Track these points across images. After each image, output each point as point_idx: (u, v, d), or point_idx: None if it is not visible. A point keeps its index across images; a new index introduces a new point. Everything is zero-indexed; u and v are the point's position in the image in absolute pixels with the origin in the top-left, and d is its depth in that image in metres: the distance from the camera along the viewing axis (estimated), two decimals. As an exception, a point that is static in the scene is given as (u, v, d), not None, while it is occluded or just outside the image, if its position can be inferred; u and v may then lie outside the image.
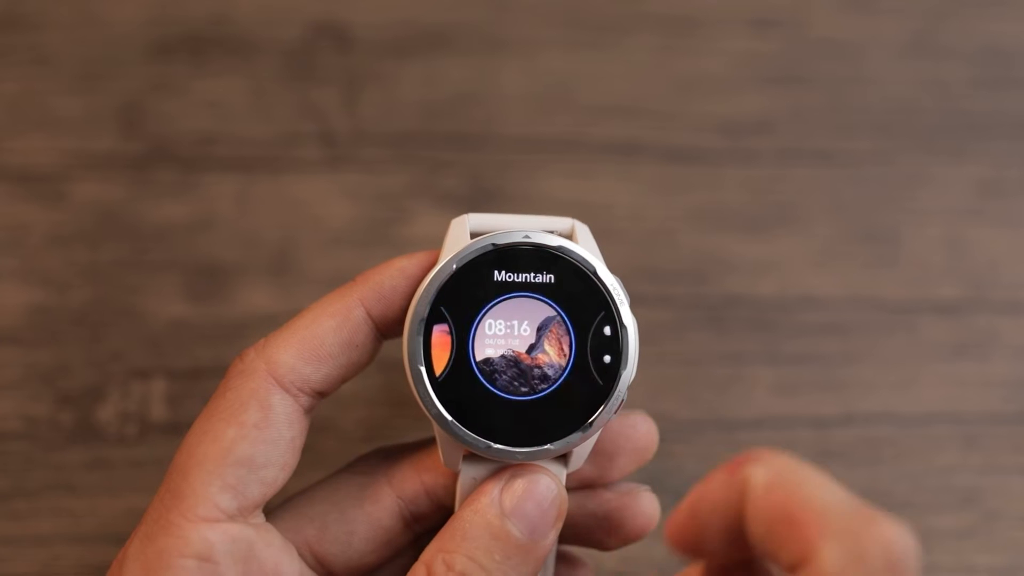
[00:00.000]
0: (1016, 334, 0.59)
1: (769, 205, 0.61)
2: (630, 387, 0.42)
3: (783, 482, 0.35)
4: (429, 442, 0.47)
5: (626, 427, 0.47)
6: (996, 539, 0.56)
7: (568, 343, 0.42)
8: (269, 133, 0.60)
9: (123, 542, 0.42)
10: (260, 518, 0.42)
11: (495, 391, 0.42)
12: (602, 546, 0.47)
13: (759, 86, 0.63)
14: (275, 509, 0.45)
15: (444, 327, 0.42)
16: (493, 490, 0.41)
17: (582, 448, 0.43)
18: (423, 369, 0.42)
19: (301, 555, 0.44)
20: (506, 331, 0.42)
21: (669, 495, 0.55)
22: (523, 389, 0.42)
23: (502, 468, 0.43)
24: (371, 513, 0.45)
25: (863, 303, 0.59)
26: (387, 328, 0.44)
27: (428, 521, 0.46)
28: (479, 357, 0.42)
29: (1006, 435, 0.57)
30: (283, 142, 0.60)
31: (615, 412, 0.42)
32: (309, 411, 0.43)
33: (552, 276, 0.42)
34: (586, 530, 0.47)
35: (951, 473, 0.57)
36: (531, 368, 0.42)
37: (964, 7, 0.65)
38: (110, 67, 0.61)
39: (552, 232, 0.43)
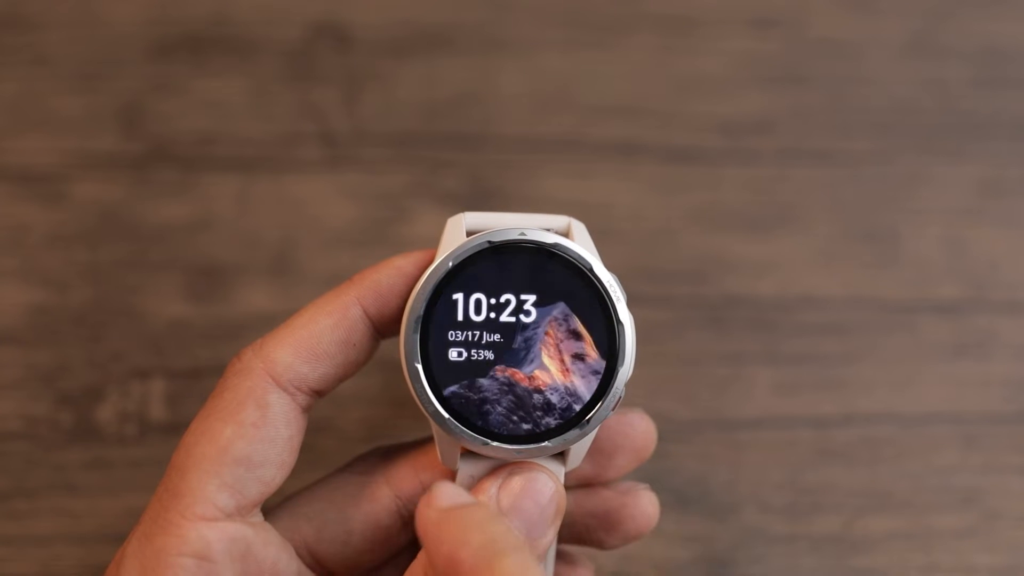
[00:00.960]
0: (1016, 334, 0.59)
1: (769, 205, 0.61)
2: (627, 384, 0.42)
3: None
4: (427, 441, 0.47)
5: (624, 425, 0.47)
6: (996, 539, 0.56)
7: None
8: (269, 133, 0.60)
9: (123, 542, 0.42)
10: (258, 517, 0.42)
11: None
12: (601, 545, 0.47)
13: (759, 86, 0.63)
14: (273, 508, 0.45)
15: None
16: (491, 488, 0.41)
17: (580, 446, 0.43)
18: (420, 367, 0.42)
19: (299, 554, 0.44)
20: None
21: (668, 495, 0.55)
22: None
23: (500, 466, 0.43)
24: (369, 512, 0.45)
25: (863, 303, 0.59)
26: (384, 327, 0.44)
27: (426, 520, 0.46)
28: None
29: (1006, 435, 0.57)
30: (283, 142, 0.60)
31: (612, 409, 0.42)
32: (307, 410, 0.43)
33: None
34: (585, 529, 0.47)
35: (951, 473, 0.57)
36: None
37: (964, 7, 0.65)
38: (110, 67, 0.61)
39: (548, 230, 0.43)
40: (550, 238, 0.42)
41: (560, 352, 0.42)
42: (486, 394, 0.42)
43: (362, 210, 0.59)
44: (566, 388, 0.42)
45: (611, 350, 0.42)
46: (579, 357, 0.42)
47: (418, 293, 0.42)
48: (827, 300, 0.59)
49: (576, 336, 0.42)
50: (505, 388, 0.42)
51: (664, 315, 0.58)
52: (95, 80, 0.61)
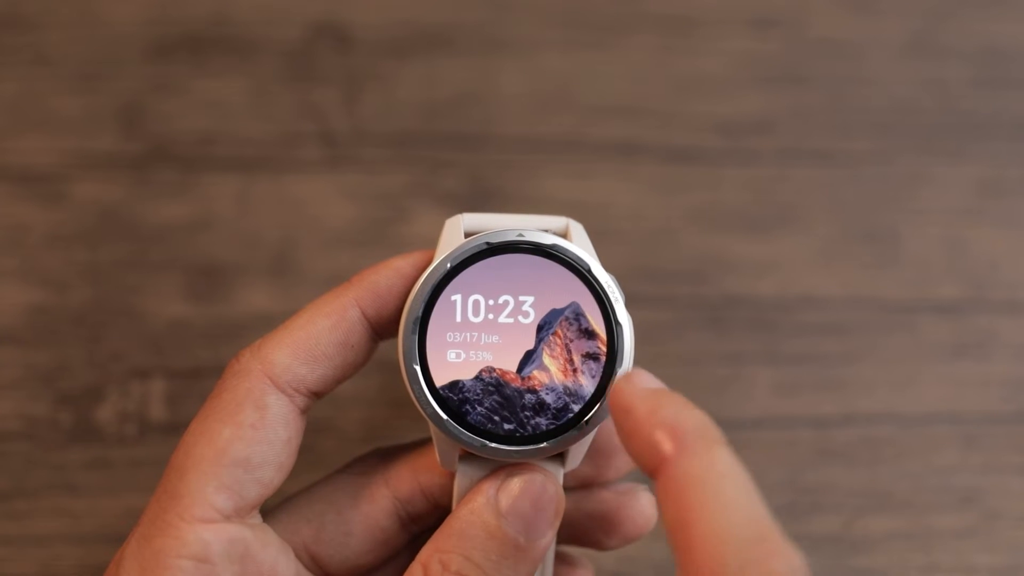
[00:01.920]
0: (1016, 334, 0.59)
1: (769, 205, 0.61)
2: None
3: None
4: (426, 442, 0.47)
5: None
6: (996, 539, 0.56)
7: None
8: (269, 133, 0.60)
9: (123, 542, 0.42)
10: (257, 518, 0.42)
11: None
12: (600, 546, 0.47)
13: (759, 86, 0.63)
14: (272, 510, 0.45)
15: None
16: (489, 489, 0.41)
17: (578, 447, 0.43)
18: (418, 368, 0.42)
19: (298, 555, 0.44)
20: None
21: (668, 495, 0.55)
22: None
23: (499, 467, 0.43)
24: (368, 513, 0.45)
25: (863, 303, 0.59)
26: (382, 328, 0.44)
27: (425, 521, 0.46)
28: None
29: (1006, 435, 0.57)
30: (283, 142, 0.60)
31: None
32: (305, 411, 0.43)
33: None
34: (584, 530, 0.47)
35: (951, 473, 0.57)
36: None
37: (964, 7, 0.65)
38: (110, 67, 0.61)
39: (547, 231, 0.43)
40: (548, 239, 0.42)
41: (568, 352, 0.42)
42: (467, 394, 0.42)
43: (362, 210, 0.59)
44: (565, 388, 0.42)
45: (610, 351, 0.42)
46: (592, 356, 0.42)
47: (416, 294, 0.42)
48: (827, 300, 0.59)
49: (589, 335, 0.42)
50: (491, 388, 0.42)
51: (664, 315, 0.58)
52: (95, 80, 0.61)
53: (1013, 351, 0.59)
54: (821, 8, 0.64)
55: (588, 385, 0.42)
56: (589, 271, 0.42)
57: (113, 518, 0.54)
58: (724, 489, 0.34)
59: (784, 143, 0.62)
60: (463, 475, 0.43)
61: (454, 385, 0.42)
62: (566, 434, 0.42)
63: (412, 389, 0.42)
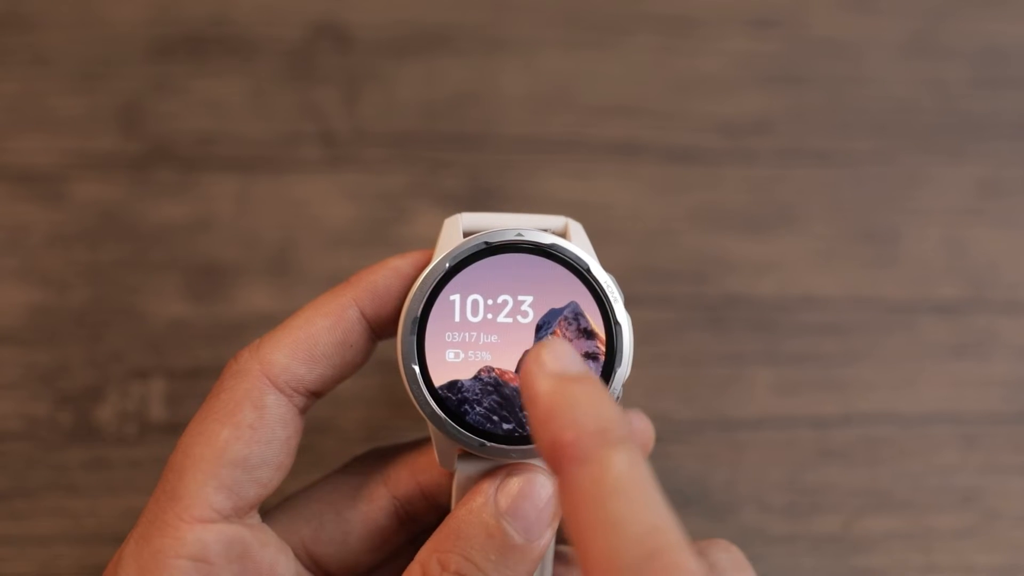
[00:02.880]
0: (1016, 334, 0.59)
1: (769, 205, 0.61)
2: (626, 385, 0.42)
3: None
4: (425, 442, 0.47)
5: (623, 426, 0.47)
6: (996, 539, 0.56)
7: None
8: (269, 133, 0.60)
9: (122, 542, 0.42)
10: (256, 518, 0.42)
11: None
12: (599, 546, 0.47)
13: (759, 86, 0.63)
14: (271, 509, 0.45)
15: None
16: (489, 489, 0.41)
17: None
18: (417, 368, 0.42)
19: (297, 555, 0.44)
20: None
21: (668, 494, 0.55)
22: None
23: (497, 467, 0.43)
24: (367, 513, 0.45)
25: (863, 303, 0.59)
26: (381, 328, 0.44)
27: (424, 521, 0.46)
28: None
29: (1006, 435, 0.57)
30: (283, 142, 0.60)
31: (610, 411, 0.42)
32: (304, 411, 0.43)
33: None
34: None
35: (951, 473, 0.57)
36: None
37: (964, 7, 0.64)
38: (110, 67, 0.61)
39: (546, 230, 0.43)
40: (547, 239, 0.42)
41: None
42: (466, 394, 0.42)
43: (362, 210, 0.59)
44: None
45: (609, 351, 0.42)
46: (591, 356, 0.42)
47: (415, 294, 0.42)
48: (827, 300, 0.59)
49: (588, 335, 0.42)
50: (490, 388, 0.42)
51: (664, 315, 0.58)
52: (95, 80, 0.61)
53: (1013, 351, 0.59)
54: (821, 8, 0.64)
55: None
56: (588, 271, 0.42)
57: (113, 518, 0.54)
58: (613, 507, 0.32)
59: (784, 143, 0.62)
60: (462, 475, 0.43)
61: (453, 385, 0.42)
62: (565, 434, 0.42)
63: (411, 389, 0.42)
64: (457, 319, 0.42)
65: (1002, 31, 0.64)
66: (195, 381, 0.56)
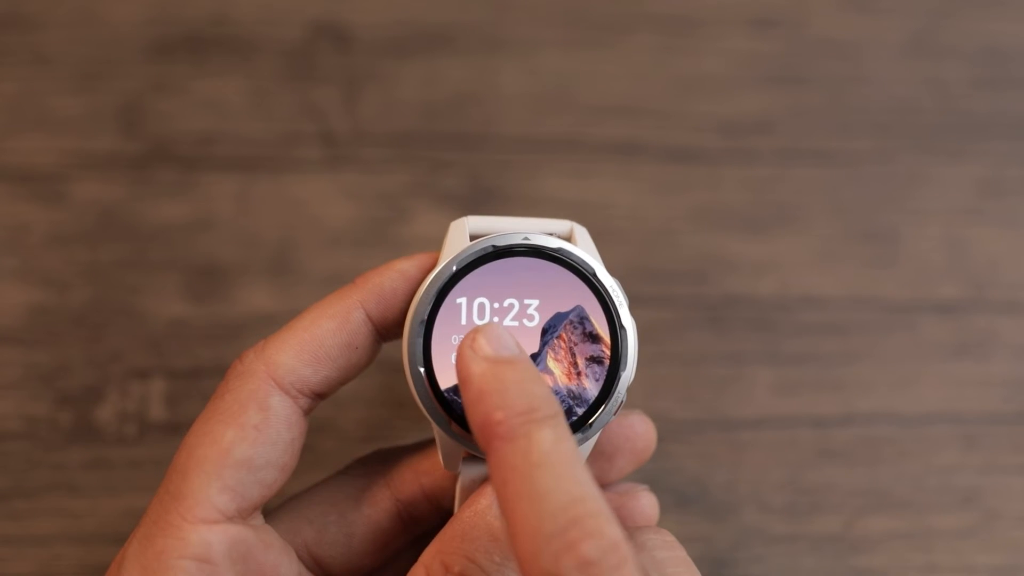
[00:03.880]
0: (1016, 334, 0.59)
1: (769, 205, 0.61)
2: (628, 388, 0.42)
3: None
4: (427, 444, 0.47)
5: (625, 428, 0.47)
6: (996, 539, 0.56)
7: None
8: (269, 133, 0.60)
9: (123, 542, 0.42)
10: (259, 519, 0.42)
11: None
12: (601, 546, 0.47)
13: (759, 86, 0.63)
14: (274, 511, 0.45)
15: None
16: (492, 491, 0.41)
17: (582, 449, 0.43)
18: (423, 371, 0.42)
19: (300, 557, 0.44)
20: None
21: (668, 495, 0.55)
22: None
23: (502, 469, 0.43)
24: (370, 515, 0.45)
25: (863, 303, 0.59)
26: (386, 330, 0.44)
27: (427, 523, 0.46)
28: None
29: (1006, 435, 0.57)
30: (283, 142, 0.60)
31: (614, 414, 0.42)
32: (308, 413, 0.43)
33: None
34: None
35: (951, 473, 0.57)
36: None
37: (964, 7, 0.65)
38: (110, 67, 0.61)
39: (551, 234, 0.43)
40: (553, 243, 0.42)
41: (572, 355, 0.42)
42: None
43: (362, 210, 0.59)
44: (569, 391, 0.42)
45: (614, 355, 0.42)
46: (596, 360, 0.42)
47: (422, 296, 0.42)
48: (827, 300, 0.59)
49: (593, 339, 0.42)
50: None
51: (664, 315, 0.58)
52: (95, 80, 0.61)
53: (1013, 351, 0.59)
54: (821, 8, 0.64)
55: (592, 389, 0.42)
56: (594, 275, 0.42)
57: (113, 518, 0.54)
58: (537, 479, 0.34)
59: (784, 143, 0.62)
60: (466, 477, 0.43)
61: (458, 388, 0.42)
62: (570, 437, 0.42)
63: (416, 391, 0.42)
64: (463, 322, 0.42)
65: (1002, 31, 0.64)
66: (195, 381, 0.56)
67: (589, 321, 0.42)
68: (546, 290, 0.42)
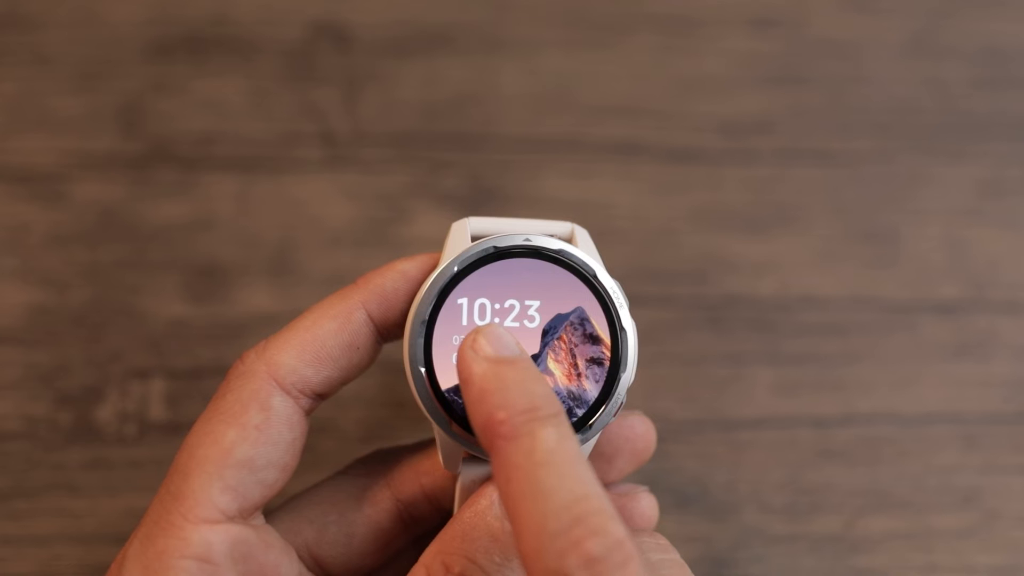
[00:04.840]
0: (1016, 334, 0.59)
1: (769, 205, 0.61)
2: (628, 390, 0.42)
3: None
4: (428, 444, 0.47)
5: (624, 429, 0.47)
6: (996, 539, 0.56)
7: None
8: (269, 133, 0.60)
9: (123, 542, 0.42)
10: (260, 520, 0.42)
11: None
12: (601, 547, 0.47)
13: (759, 86, 0.63)
14: (275, 511, 0.45)
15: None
16: (492, 492, 0.41)
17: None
18: (424, 371, 0.42)
19: (300, 557, 0.44)
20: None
21: (668, 495, 0.55)
22: None
23: (502, 470, 0.43)
24: (370, 515, 0.45)
25: (863, 303, 0.59)
26: (388, 331, 0.44)
27: (427, 523, 0.46)
28: None
29: (1006, 435, 0.57)
30: (283, 142, 0.60)
31: (614, 415, 0.42)
32: (309, 413, 0.43)
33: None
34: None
35: (951, 473, 0.57)
36: None
37: (964, 7, 0.65)
38: (110, 67, 0.61)
39: (552, 236, 0.43)
40: (554, 244, 0.42)
41: (572, 356, 0.42)
42: None
43: (362, 210, 0.59)
44: (569, 392, 0.42)
45: (614, 356, 0.42)
46: (596, 361, 0.42)
47: (423, 297, 0.42)
48: (827, 300, 0.59)
49: (593, 340, 0.42)
50: None
51: (664, 315, 0.58)
52: (95, 80, 0.61)
53: (1013, 351, 0.59)
54: (821, 8, 0.64)
55: (592, 390, 0.42)
56: (595, 276, 0.42)
57: (113, 518, 0.54)
58: (541, 478, 0.35)
59: (784, 143, 0.62)
60: (466, 477, 0.43)
61: (459, 388, 0.41)
62: (570, 438, 0.42)
63: (417, 392, 0.42)
64: (464, 322, 0.42)
65: (1002, 31, 0.64)
66: (195, 381, 0.56)
67: (589, 322, 0.42)
68: (547, 291, 0.42)
